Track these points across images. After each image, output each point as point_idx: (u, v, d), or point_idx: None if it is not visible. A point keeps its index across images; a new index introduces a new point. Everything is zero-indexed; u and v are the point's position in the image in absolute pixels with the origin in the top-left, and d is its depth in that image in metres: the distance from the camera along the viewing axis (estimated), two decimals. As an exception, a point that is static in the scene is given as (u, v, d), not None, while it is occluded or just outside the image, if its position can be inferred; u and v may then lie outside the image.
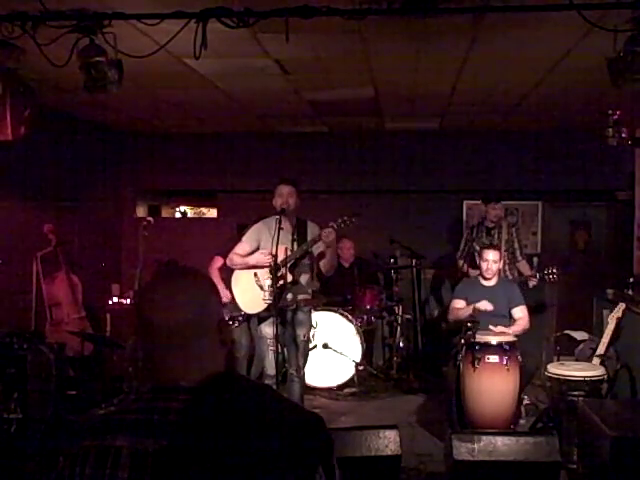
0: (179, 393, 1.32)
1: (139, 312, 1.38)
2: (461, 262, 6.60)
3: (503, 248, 6.55)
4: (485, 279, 5.59)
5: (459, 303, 5.64)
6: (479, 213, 7.28)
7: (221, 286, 5.45)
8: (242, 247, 5.09)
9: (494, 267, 5.52)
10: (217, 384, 1.34)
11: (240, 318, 5.54)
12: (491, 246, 5.80)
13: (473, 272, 6.19)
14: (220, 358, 1.40)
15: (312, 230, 5.02)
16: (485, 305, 5.35)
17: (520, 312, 5.49)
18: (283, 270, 4.82)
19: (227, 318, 5.35)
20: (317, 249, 4.97)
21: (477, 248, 6.26)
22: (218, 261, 6.19)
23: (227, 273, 5.45)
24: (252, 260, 4.96)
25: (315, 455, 1.32)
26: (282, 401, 1.41)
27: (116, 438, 1.29)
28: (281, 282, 4.81)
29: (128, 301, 7.44)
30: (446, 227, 8.41)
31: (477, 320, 5.16)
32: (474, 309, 5.31)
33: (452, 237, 8.40)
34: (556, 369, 4.96)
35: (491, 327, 5.29)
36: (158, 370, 1.38)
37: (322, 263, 5.02)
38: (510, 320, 5.50)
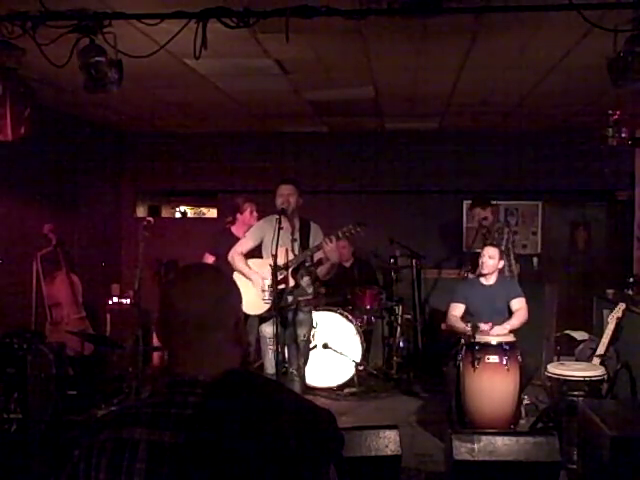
0: (196, 387, 1.34)
1: (162, 299, 1.42)
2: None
3: None
4: (483, 276, 5.59)
5: (457, 308, 5.61)
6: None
7: None
8: (245, 244, 5.11)
9: (490, 262, 5.51)
10: (233, 379, 1.36)
11: None
12: (489, 243, 5.88)
13: (472, 276, 6.23)
14: (236, 354, 1.43)
15: (315, 231, 5.03)
16: (482, 327, 5.32)
17: (518, 303, 5.44)
18: (285, 273, 4.83)
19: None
20: (317, 255, 4.99)
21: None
22: (208, 258, 6.15)
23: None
24: (250, 276, 4.99)
25: (328, 451, 1.33)
26: (295, 398, 1.43)
27: (133, 431, 1.30)
28: (283, 286, 4.82)
29: (128, 301, 7.44)
30: (446, 227, 8.41)
31: (477, 325, 5.16)
32: (472, 328, 5.24)
33: (452, 237, 8.41)
34: (556, 369, 4.96)
35: (481, 325, 5.25)
36: (176, 363, 1.40)
37: (320, 269, 5.05)
38: (510, 315, 5.48)
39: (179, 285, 1.42)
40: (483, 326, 5.26)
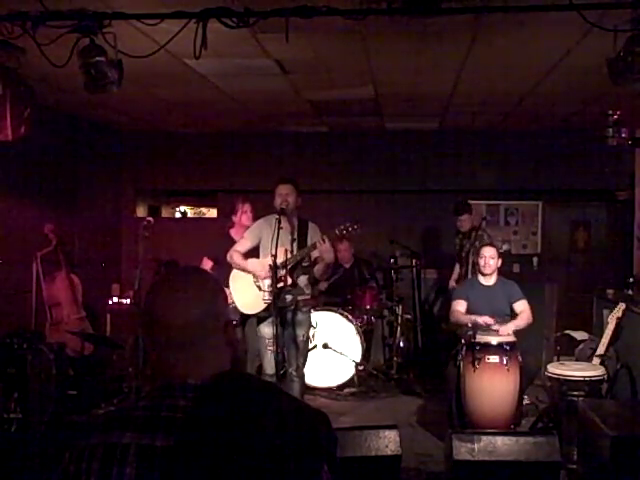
0: (187, 390, 1.33)
1: (148, 310, 1.39)
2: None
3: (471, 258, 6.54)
4: (483, 276, 5.59)
5: (460, 304, 5.63)
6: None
7: None
8: (243, 243, 5.11)
9: (491, 262, 5.54)
10: (224, 382, 1.35)
11: (236, 320, 5.48)
12: (487, 244, 5.86)
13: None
14: (226, 357, 1.42)
15: (312, 231, 5.03)
16: (486, 320, 5.32)
17: (521, 306, 5.46)
18: (283, 272, 4.82)
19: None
20: (313, 255, 4.99)
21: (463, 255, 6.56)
22: (207, 263, 6.05)
23: (218, 274, 5.35)
24: (249, 267, 4.99)
25: (321, 452, 1.32)
26: (288, 399, 1.41)
27: (123, 435, 1.29)
28: (281, 284, 4.81)
29: (128, 301, 7.43)
30: (446, 227, 8.40)
31: (477, 324, 5.16)
32: (475, 322, 5.25)
33: (452, 237, 8.40)
34: (556, 369, 4.95)
35: (495, 327, 5.26)
36: (166, 368, 1.38)
37: (316, 268, 5.05)
38: (512, 316, 5.48)
39: (164, 295, 1.39)
40: (488, 320, 5.26)
